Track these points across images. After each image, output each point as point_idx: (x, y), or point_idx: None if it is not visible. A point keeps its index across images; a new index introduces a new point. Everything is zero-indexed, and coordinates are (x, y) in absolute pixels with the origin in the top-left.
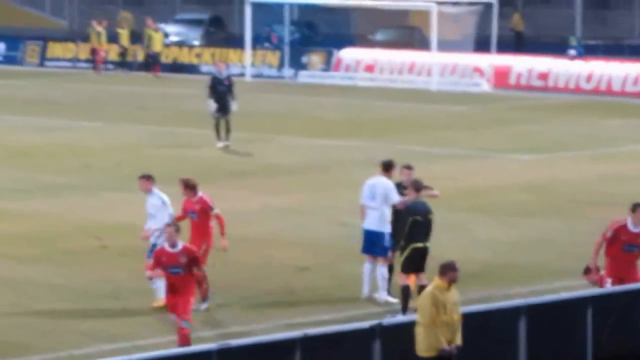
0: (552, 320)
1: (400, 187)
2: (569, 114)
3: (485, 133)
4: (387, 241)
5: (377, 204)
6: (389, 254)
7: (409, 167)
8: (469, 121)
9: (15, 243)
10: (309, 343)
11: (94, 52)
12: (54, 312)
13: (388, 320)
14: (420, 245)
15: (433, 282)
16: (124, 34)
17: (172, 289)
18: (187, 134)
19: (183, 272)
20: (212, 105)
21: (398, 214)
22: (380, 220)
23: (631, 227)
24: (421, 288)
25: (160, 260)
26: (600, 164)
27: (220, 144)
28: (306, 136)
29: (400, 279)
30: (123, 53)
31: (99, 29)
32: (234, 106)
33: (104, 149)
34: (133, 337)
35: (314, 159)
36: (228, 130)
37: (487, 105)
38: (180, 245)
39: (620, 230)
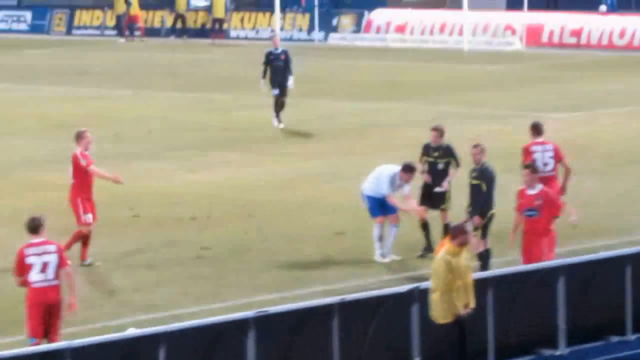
0: (591, 279)
1: (429, 149)
2: (603, 71)
3: (519, 92)
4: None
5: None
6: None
7: (435, 129)
8: (503, 81)
9: (51, 213)
10: (346, 308)
11: (120, 19)
12: (89, 284)
13: (425, 283)
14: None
15: (444, 246)
16: (181, 0)
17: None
18: (218, 99)
19: None
20: (264, 85)
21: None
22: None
23: (527, 189)
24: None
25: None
26: (637, 121)
27: (281, 125)
28: (340, 100)
29: (482, 245)
30: (180, 20)
31: None
32: (291, 82)
33: (135, 117)
34: (169, 306)
35: (349, 122)
36: (282, 108)
37: (521, 64)
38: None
39: (519, 195)
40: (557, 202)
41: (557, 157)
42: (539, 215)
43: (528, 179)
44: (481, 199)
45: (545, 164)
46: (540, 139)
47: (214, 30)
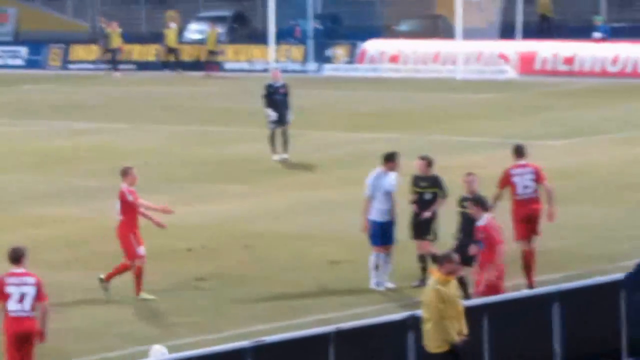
0: (586, 305)
1: (418, 179)
2: (597, 98)
3: (514, 120)
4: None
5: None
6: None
7: (423, 158)
8: (497, 109)
9: (49, 248)
10: (342, 337)
11: (115, 54)
12: (89, 316)
13: (421, 311)
14: None
15: (433, 275)
16: (170, 34)
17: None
18: (214, 132)
19: None
20: (272, 114)
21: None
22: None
23: (477, 221)
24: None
25: None
26: (632, 147)
27: (276, 157)
28: (335, 130)
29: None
30: (171, 53)
31: (110, 29)
32: (290, 116)
33: (131, 150)
34: (168, 337)
35: (344, 153)
36: (286, 142)
37: (514, 93)
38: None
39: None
40: (494, 238)
41: (538, 179)
42: (484, 248)
43: (472, 211)
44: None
45: (526, 187)
46: (522, 162)
47: (208, 62)
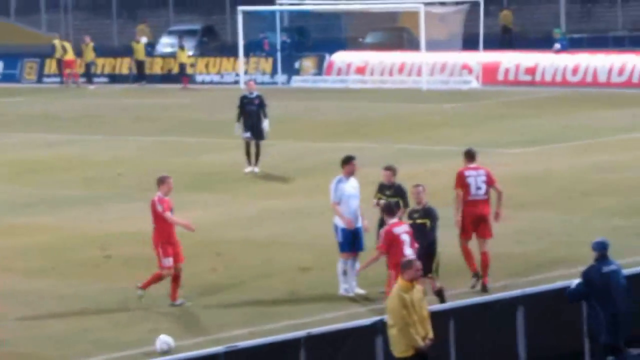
0: (549, 309)
1: (383, 187)
2: (557, 107)
3: (477, 129)
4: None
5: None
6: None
7: (388, 169)
8: (461, 118)
9: (23, 257)
10: (312, 342)
11: (89, 67)
12: (64, 323)
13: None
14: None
15: (397, 282)
16: (139, 48)
17: None
18: (186, 143)
19: None
20: (238, 129)
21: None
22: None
23: None
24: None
25: None
26: (592, 155)
27: (248, 169)
28: (304, 140)
29: (436, 283)
30: (140, 66)
31: (63, 43)
32: (265, 125)
33: (105, 161)
34: (141, 344)
35: (313, 162)
36: (257, 155)
37: (477, 102)
38: None
39: None
40: (380, 243)
41: (489, 182)
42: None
43: (384, 217)
44: (428, 238)
45: (478, 188)
46: (473, 165)
47: (181, 74)
